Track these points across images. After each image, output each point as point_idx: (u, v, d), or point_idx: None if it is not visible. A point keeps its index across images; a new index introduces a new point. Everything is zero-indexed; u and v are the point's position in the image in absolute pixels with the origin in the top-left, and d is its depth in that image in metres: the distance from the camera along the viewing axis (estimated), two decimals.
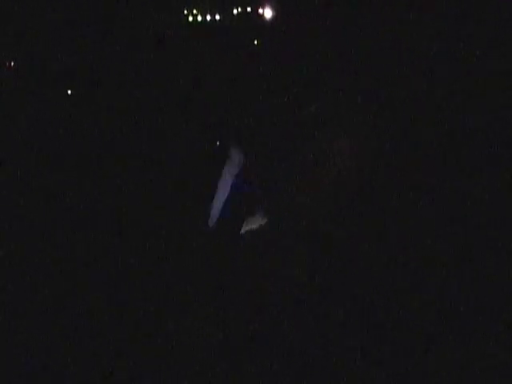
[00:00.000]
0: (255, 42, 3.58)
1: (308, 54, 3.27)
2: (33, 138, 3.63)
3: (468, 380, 2.69)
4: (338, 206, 3.00)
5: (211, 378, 2.89)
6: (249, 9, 3.61)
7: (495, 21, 2.99)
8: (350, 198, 2.99)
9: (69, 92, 3.71)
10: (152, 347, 3.00)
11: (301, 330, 2.91)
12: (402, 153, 3.00)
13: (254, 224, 3.13)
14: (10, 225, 3.41)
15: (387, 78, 3.09)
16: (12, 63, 3.76)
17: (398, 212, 2.96)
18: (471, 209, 2.91)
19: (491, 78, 2.97)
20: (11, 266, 3.28)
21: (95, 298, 3.16)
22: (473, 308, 2.79)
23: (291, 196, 3.08)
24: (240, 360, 2.91)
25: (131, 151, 3.54)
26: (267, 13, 3.53)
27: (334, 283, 2.92)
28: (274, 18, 3.51)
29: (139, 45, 3.66)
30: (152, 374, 2.93)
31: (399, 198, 2.96)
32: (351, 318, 2.88)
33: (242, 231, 3.15)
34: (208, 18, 3.67)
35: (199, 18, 3.68)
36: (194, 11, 3.68)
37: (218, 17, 3.67)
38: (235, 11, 3.64)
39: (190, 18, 3.70)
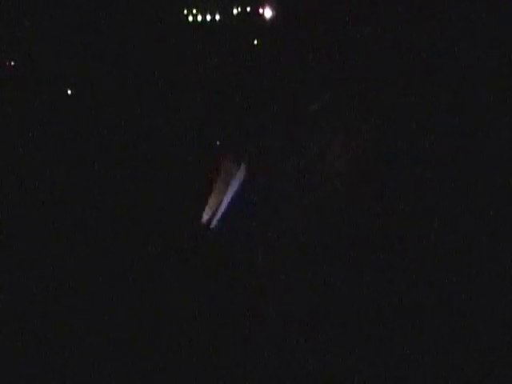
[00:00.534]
0: (255, 42, 3.58)
1: (308, 54, 3.27)
2: (33, 137, 3.63)
3: (468, 380, 2.69)
4: (337, 206, 3.00)
5: (211, 378, 2.89)
6: (249, 9, 3.61)
7: (495, 21, 2.99)
8: (350, 198, 2.99)
9: (69, 92, 3.71)
10: (152, 347, 3.01)
11: (301, 329, 2.91)
12: (401, 153, 3.00)
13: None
14: (10, 225, 3.41)
15: (387, 77, 3.09)
16: (12, 63, 3.75)
17: (398, 212, 2.96)
18: (471, 209, 2.91)
19: (491, 78, 2.97)
20: (11, 265, 3.29)
21: (95, 298, 3.16)
22: (473, 308, 2.79)
23: (291, 196, 3.08)
24: (240, 360, 2.91)
25: (131, 151, 3.55)
26: (267, 13, 3.53)
27: (334, 283, 2.93)
28: (274, 17, 3.51)
29: (139, 45, 3.66)
30: (152, 373, 2.93)
31: (399, 198, 2.96)
32: (351, 318, 2.88)
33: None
34: (208, 17, 3.67)
35: (199, 18, 3.68)
36: (194, 11, 3.68)
37: (218, 17, 3.67)
38: (235, 11, 3.64)
39: (190, 18, 3.69)
